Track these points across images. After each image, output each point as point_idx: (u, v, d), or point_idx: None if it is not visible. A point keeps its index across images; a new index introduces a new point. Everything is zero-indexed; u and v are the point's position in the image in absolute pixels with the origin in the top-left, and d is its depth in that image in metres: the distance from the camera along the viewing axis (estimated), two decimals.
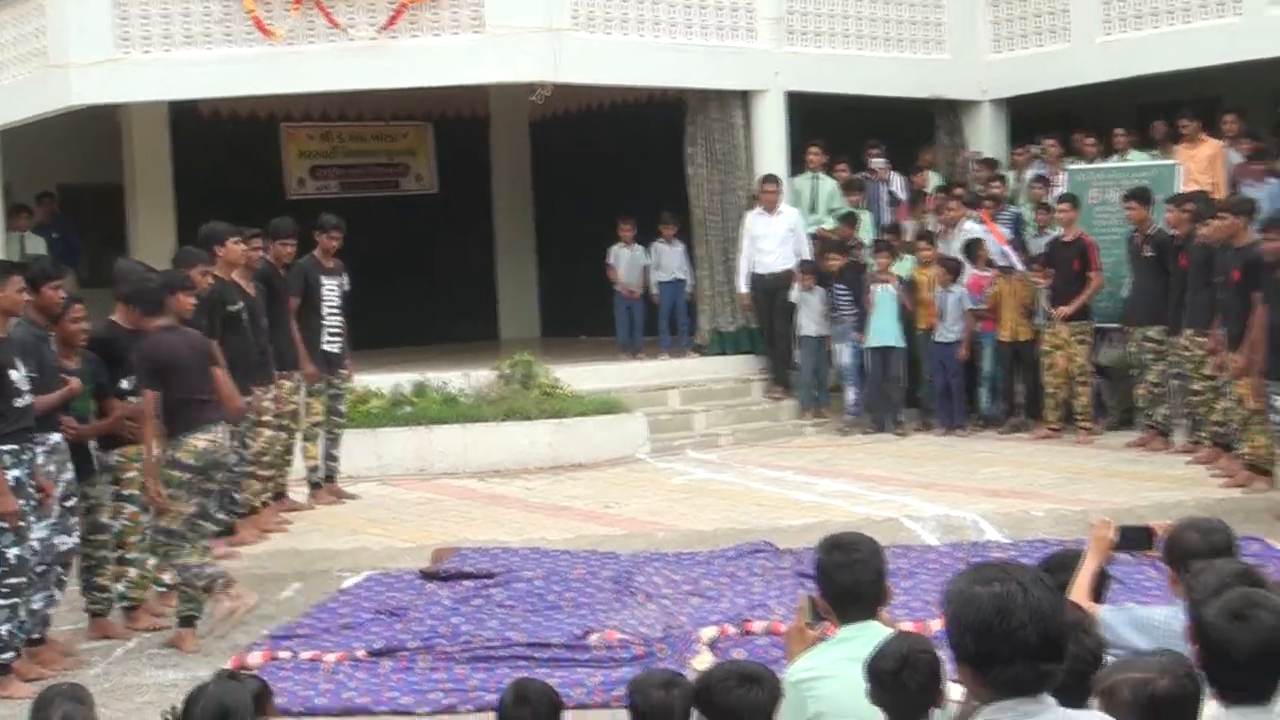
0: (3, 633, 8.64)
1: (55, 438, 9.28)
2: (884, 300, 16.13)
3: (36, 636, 9.06)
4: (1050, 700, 3.53)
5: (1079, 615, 4.77)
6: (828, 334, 16.72)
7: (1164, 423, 14.52)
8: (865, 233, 17.24)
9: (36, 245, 18.69)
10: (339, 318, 13.38)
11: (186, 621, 9.63)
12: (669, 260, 18.16)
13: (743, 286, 17.17)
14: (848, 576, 5.04)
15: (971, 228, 16.76)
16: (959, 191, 17.29)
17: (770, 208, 16.88)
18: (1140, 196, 14.62)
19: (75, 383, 9.42)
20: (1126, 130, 17.19)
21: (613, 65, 16.93)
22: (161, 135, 19.80)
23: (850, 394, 16.67)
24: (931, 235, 16.72)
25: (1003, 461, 14.45)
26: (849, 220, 17.13)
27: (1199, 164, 16.08)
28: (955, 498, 12.71)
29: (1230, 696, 3.84)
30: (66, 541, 9.30)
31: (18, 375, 8.66)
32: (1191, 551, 5.30)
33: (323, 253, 13.45)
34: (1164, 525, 5.69)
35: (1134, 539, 5.57)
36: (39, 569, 9.00)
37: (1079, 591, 5.26)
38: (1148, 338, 14.33)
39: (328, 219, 13.69)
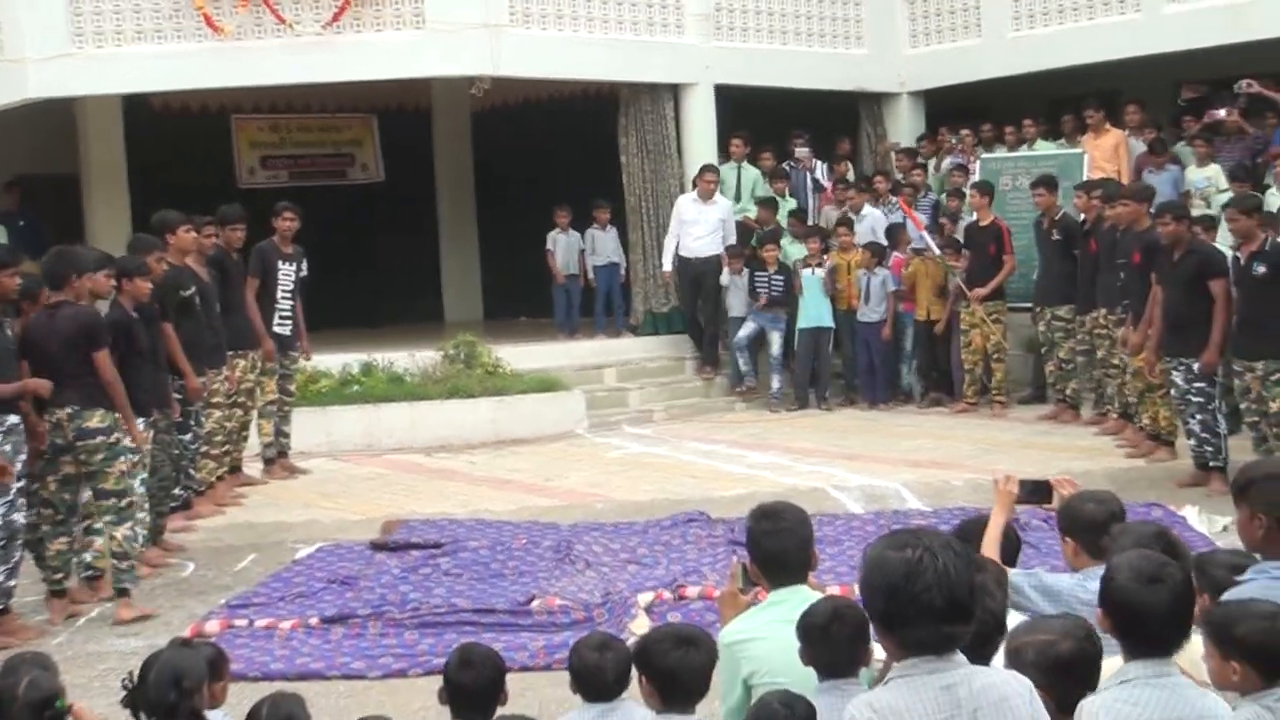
0: None
1: (12, 419, 9.17)
2: (813, 284, 16.18)
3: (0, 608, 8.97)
4: (960, 657, 3.58)
5: (995, 570, 4.83)
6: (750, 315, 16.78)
7: (1073, 396, 14.64)
8: (785, 219, 17.30)
9: None
10: (291, 301, 13.29)
11: (121, 592, 9.56)
12: (603, 245, 18.16)
13: (667, 265, 17.14)
14: (776, 544, 5.06)
15: (870, 212, 16.95)
16: (879, 179, 17.42)
17: (707, 196, 16.85)
18: (1047, 183, 14.73)
19: (43, 385, 9.35)
20: (1035, 121, 17.34)
21: (549, 60, 16.92)
22: (115, 127, 19.60)
23: (775, 381, 16.67)
24: (851, 222, 16.79)
25: (923, 434, 14.52)
26: (769, 205, 17.19)
27: (1104, 152, 16.25)
28: (878, 468, 12.77)
29: (1140, 652, 3.90)
30: (19, 519, 9.23)
31: None
32: (1091, 522, 5.35)
33: (281, 237, 13.35)
34: (1060, 480, 5.74)
35: (1034, 493, 5.62)
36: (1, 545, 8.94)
37: (989, 546, 5.30)
38: (1056, 317, 14.43)
39: (280, 202, 13.63)
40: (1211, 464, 11.65)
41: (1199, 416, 11.62)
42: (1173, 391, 11.91)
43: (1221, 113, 15.81)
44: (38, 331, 9.50)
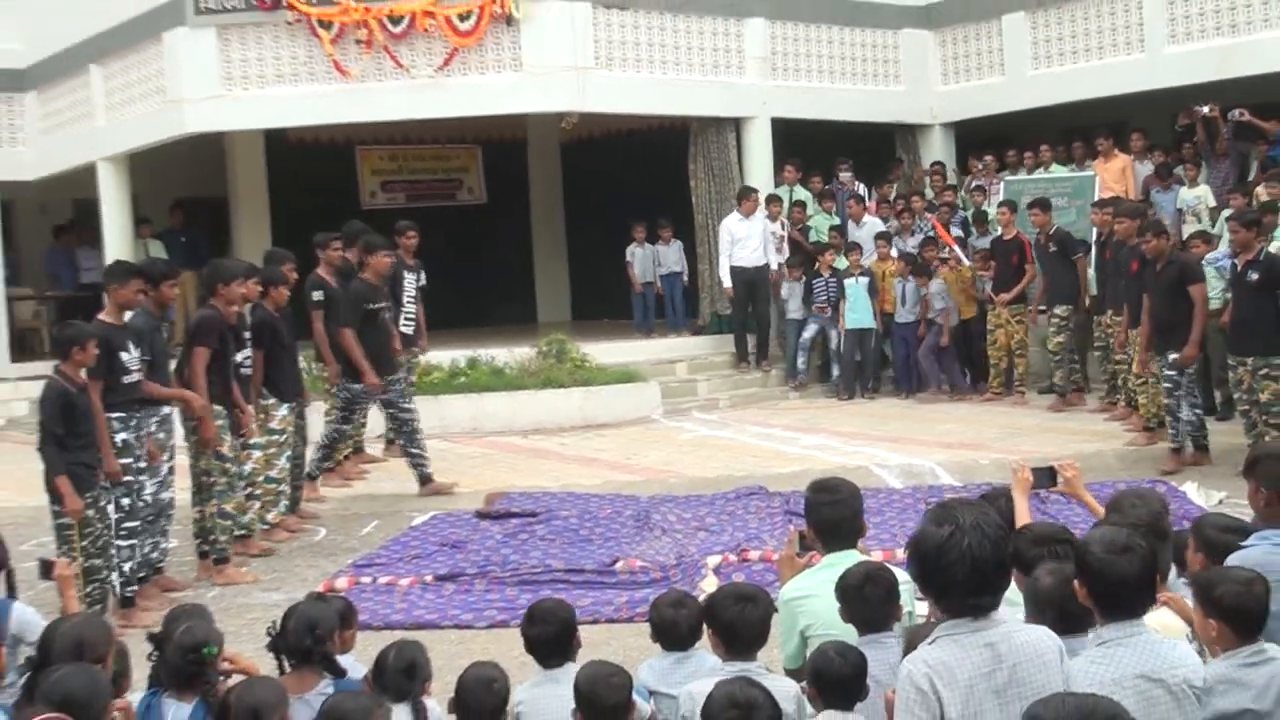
0: (126, 570, 8.64)
1: (165, 410, 9.31)
2: (857, 291, 16.06)
3: (142, 575, 8.94)
4: (999, 616, 3.57)
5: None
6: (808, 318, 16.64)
7: (1061, 384, 14.43)
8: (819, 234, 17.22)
9: (156, 250, 18.79)
10: (414, 305, 13.20)
11: (219, 561, 9.61)
12: (666, 257, 18.12)
13: (726, 280, 16.82)
14: (833, 513, 5.04)
15: (869, 220, 17.08)
16: (915, 199, 17.28)
17: (750, 214, 16.68)
18: (1041, 204, 14.66)
19: (188, 394, 9.41)
20: (1051, 147, 17.17)
21: (629, 97, 16.89)
22: (258, 157, 19.86)
23: (835, 370, 16.62)
24: (889, 235, 16.67)
25: (953, 420, 14.32)
26: (799, 205, 17.30)
27: (1112, 174, 16.11)
28: (915, 449, 12.64)
29: (1113, 615, 3.85)
30: (167, 496, 9.33)
31: (128, 356, 8.65)
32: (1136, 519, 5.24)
33: (404, 250, 12.98)
34: (1063, 464, 5.66)
35: (1043, 477, 5.54)
36: (149, 519, 9.00)
37: (1023, 518, 5.25)
38: (1055, 315, 14.27)
39: (402, 221, 13.39)
40: (1174, 445, 11.58)
41: (1188, 401, 11.50)
42: (1164, 383, 11.75)
43: (1205, 109, 15.55)
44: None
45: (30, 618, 5.34)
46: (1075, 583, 3.95)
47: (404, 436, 11.75)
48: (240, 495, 9.91)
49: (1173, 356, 11.40)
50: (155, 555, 9.17)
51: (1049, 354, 14.57)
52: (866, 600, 4.49)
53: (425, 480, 11.74)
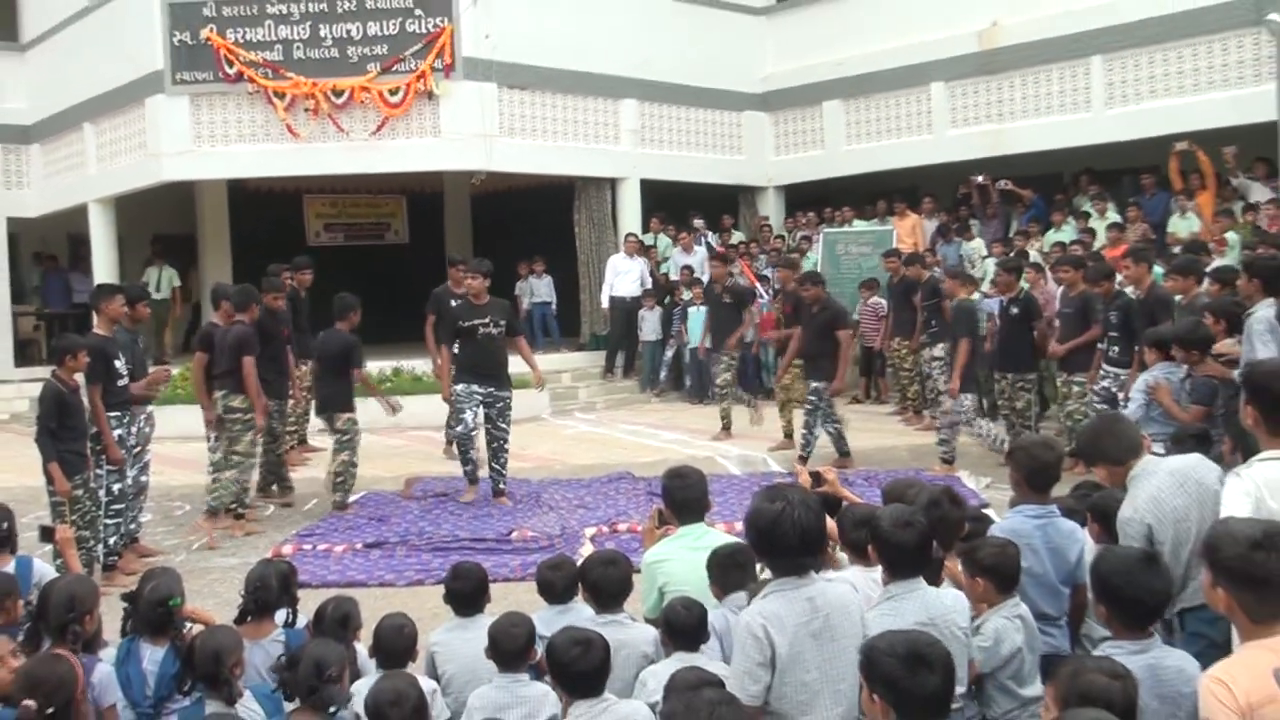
0: (112, 543, 8.47)
1: (150, 409, 9.17)
2: (696, 317, 16.10)
3: (122, 546, 8.76)
4: (816, 577, 3.63)
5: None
6: (662, 339, 16.76)
7: (724, 413, 13.53)
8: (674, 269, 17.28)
9: (170, 274, 18.57)
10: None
11: (211, 512, 9.61)
12: (539, 289, 18.22)
13: (605, 303, 17.07)
14: (684, 494, 5.08)
15: (698, 249, 17.05)
16: (753, 246, 17.43)
17: (632, 254, 16.88)
18: (721, 259, 14.14)
19: (163, 371, 9.35)
20: (859, 207, 17.46)
21: (527, 159, 16.86)
22: (222, 201, 19.47)
23: (687, 380, 16.68)
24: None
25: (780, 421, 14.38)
26: (645, 250, 17.34)
27: (906, 230, 16.44)
28: (751, 443, 12.75)
29: (898, 576, 3.96)
30: (145, 479, 9.19)
31: (119, 364, 8.52)
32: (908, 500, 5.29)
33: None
34: (825, 468, 5.62)
35: (814, 479, 5.57)
36: (131, 497, 8.84)
37: None
38: (724, 356, 13.49)
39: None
40: (803, 454, 11.14)
41: (823, 421, 11.25)
42: (807, 405, 11.30)
43: (980, 178, 15.97)
44: (219, 338, 9.77)
45: (49, 571, 5.30)
46: (870, 549, 4.06)
47: (489, 452, 10.58)
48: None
49: (817, 385, 11.11)
50: (133, 527, 8.99)
51: (716, 388, 13.75)
52: (740, 566, 4.49)
53: (497, 493, 10.45)
